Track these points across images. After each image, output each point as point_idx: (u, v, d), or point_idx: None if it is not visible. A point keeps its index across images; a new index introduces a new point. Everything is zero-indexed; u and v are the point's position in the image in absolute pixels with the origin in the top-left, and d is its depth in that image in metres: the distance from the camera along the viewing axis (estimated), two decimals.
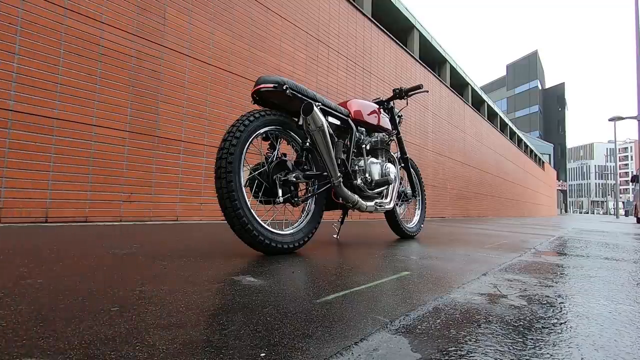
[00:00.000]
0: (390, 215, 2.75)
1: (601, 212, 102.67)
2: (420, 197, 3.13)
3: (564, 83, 64.48)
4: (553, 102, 65.00)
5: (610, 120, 21.04)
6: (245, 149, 1.61)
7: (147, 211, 3.44)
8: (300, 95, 1.79)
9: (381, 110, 2.55)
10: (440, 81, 10.49)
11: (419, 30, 10.24)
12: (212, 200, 3.96)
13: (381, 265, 1.56)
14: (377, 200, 2.31)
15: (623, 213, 44.83)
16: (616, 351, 0.71)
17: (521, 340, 0.75)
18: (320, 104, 1.91)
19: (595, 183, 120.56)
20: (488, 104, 15.91)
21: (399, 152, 2.87)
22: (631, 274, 1.66)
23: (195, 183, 3.85)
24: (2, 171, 2.62)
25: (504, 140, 16.73)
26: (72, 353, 0.58)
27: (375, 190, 2.30)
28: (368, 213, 2.72)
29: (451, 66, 12.01)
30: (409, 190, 3.00)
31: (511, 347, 0.70)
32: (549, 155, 47.07)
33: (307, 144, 1.85)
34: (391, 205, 2.44)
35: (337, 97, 5.98)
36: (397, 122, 2.79)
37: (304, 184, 2.04)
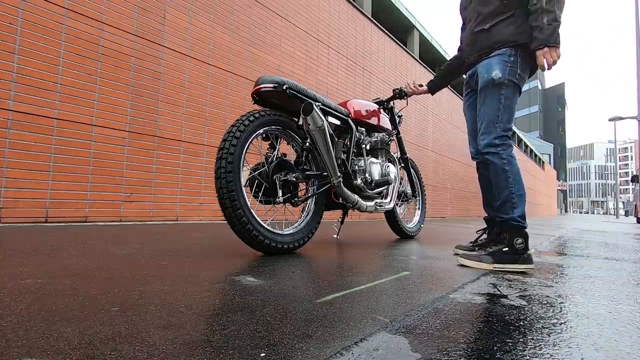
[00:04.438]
0: (390, 215, 2.75)
1: (601, 212, 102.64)
2: (420, 197, 3.13)
3: (564, 83, 64.47)
4: (553, 102, 65.01)
5: (610, 120, 21.03)
6: (245, 149, 1.61)
7: (147, 211, 3.44)
8: (300, 95, 1.79)
9: (381, 110, 2.55)
10: None
11: (419, 30, 10.24)
12: (212, 200, 3.96)
13: (381, 265, 1.56)
14: (377, 200, 2.31)
15: (623, 213, 44.82)
16: (616, 351, 0.71)
17: (521, 340, 0.75)
18: (320, 104, 1.91)
19: (595, 183, 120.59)
20: None
21: (399, 152, 2.87)
22: (631, 274, 1.66)
23: (195, 183, 3.85)
24: (2, 171, 2.62)
25: None
26: (72, 353, 0.58)
27: (375, 190, 2.30)
28: (368, 213, 2.72)
29: None
30: (409, 190, 3.00)
31: (511, 347, 0.70)
32: (549, 155, 47.08)
33: (307, 144, 1.85)
34: (391, 205, 2.44)
35: (337, 97, 5.98)
36: (397, 122, 2.79)
37: (304, 184, 2.04)
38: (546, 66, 1.62)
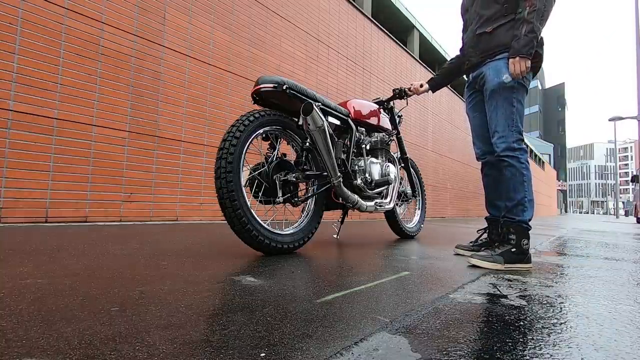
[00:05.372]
0: (390, 215, 2.75)
1: (601, 212, 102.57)
2: (420, 197, 3.13)
3: (564, 83, 64.51)
4: (553, 102, 65.03)
5: (610, 120, 21.03)
6: (245, 149, 1.61)
7: (147, 211, 3.44)
8: (300, 95, 1.79)
9: (381, 110, 2.55)
10: None
11: (419, 30, 10.25)
12: (212, 200, 3.96)
13: (381, 265, 1.56)
14: (377, 200, 2.30)
15: (623, 213, 44.80)
16: (616, 351, 0.71)
17: (521, 340, 0.75)
18: (320, 103, 1.91)
19: (595, 183, 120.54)
20: None
21: (399, 152, 2.87)
22: (631, 274, 1.66)
23: (195, 183, 3.85)
24: (2, 171, 2.62)
25: None
26: (72, 353, 0.58)
27: (375, 190, 2.30)
28: (368, 213, 2.72)
29: None
30: (409, 190, 2.99)
31: (511, 347, 0.70)
32: (549, 155, 47.07)
33: (307, 144, 1.85)
34: (391, 205, 2.44)
35: (337, 97, 5.98)
36: (397, 122, 2.79)
37: (304, 184, 2.04)
38: (515, 75, 1.66)
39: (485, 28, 1.80)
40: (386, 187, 2.40)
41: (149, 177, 3.46)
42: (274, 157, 1.77)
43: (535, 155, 25.83)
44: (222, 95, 4.18)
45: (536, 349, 0.70)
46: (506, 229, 1.72)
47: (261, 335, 0.70)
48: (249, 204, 1.57)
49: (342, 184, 1.92)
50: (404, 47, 8.60)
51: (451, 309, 0.95)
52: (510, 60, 1.65)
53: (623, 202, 53.06)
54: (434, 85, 2.36)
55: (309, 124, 1.71)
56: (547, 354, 0.68)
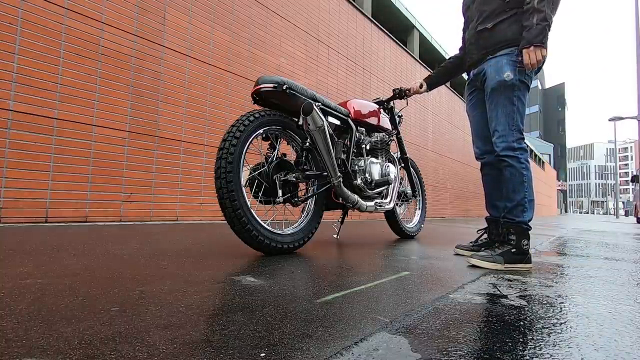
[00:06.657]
0: (390, 215, 2.75)
1: (601, 212, 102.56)
2: (420, 197, 3.13)
3: (564, 83, 64.51)
4: (553, 102, 65.04)
5: (610, 120, 21.03)
6: (245, 149, 1.61)
7: (147, 211, 3.44)
8: (300, 95, 1.79)
9: (381, 110, 2.55)
10: None
11: (419, 30, 10.25)
12: (212, 200, 3.96)
13: (381, 265, 1.56)
14: (377, 200, 2.31)
15: (623, 213, 44.80)
16: (616, 351, 0.71)
17: (521, 340, 0.75)
18: (320, 103, 1.91)
19: (595, 183, 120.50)
20: None
21: (399, 152, 2.87)
22: (631, 274, 1.66)
23: (195, 183, 3.85)
24: (2, 171, 2.62)
25: None
26: (72, 353, 0.58)
27: (375, 190, 2.30)
28: (368, 213, 2.72)
29: None
30: (409, 190, 2.99)
31: (511, 347, 0.70)
32: (549, 155, 47.06)
33: (307, 144, 1.85)
34: (391, 205, 2.44)
35: (337, 97, 5.98)
36: (397, 122, 2.79)
37: (304, 184, 2.04)
38: (530, 65, 1.62)
39: (486, 24, 1.78)
40: (386, 187, 2.40)
41: (149, 177, 3.46)
42: (274, 157, 1.77)
43: (535, 155, 25.82)
44: (222, 95, 4.17)
45: (536, 349, 0.70)
46: (506, 230, 1.72)
47: (261, 335, 0.70)
48: (249, 204, 1.57)
49: (342, 184, 1.92)
50: (404, 47, 8.60)
51: (451, 309, 0.95)
52: (524, 50, 1.60)
53: (623, 202, 53.05)
54: (431, 83, 2.33)
55: (309, 124, 1.71)
56: (547, 354, 0.68)
